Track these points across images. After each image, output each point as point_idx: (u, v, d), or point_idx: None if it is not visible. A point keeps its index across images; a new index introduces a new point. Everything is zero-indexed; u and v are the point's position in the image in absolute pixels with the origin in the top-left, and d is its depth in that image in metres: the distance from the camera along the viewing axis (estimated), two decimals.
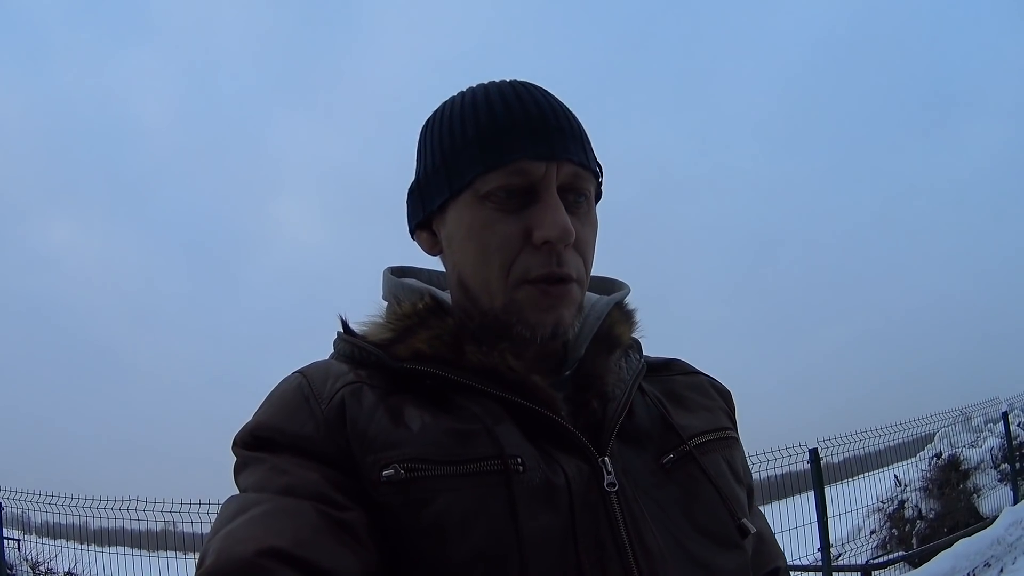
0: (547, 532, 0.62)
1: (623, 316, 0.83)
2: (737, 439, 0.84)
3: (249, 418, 0.71)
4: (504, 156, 0.70)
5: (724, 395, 0.87)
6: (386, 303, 0.80)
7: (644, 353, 0.84)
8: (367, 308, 0.80)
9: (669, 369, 0.87)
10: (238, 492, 0.66)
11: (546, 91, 0.76)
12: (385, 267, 0.84)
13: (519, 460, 0.65)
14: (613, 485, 0.67)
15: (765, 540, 0.82)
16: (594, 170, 0.75)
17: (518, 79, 0.77)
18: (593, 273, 0.78)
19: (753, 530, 0.73)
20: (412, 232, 0.82)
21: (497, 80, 0.77)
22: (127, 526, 6.21)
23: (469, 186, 0.72)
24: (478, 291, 0.74)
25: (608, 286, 0.87)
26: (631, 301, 0.86)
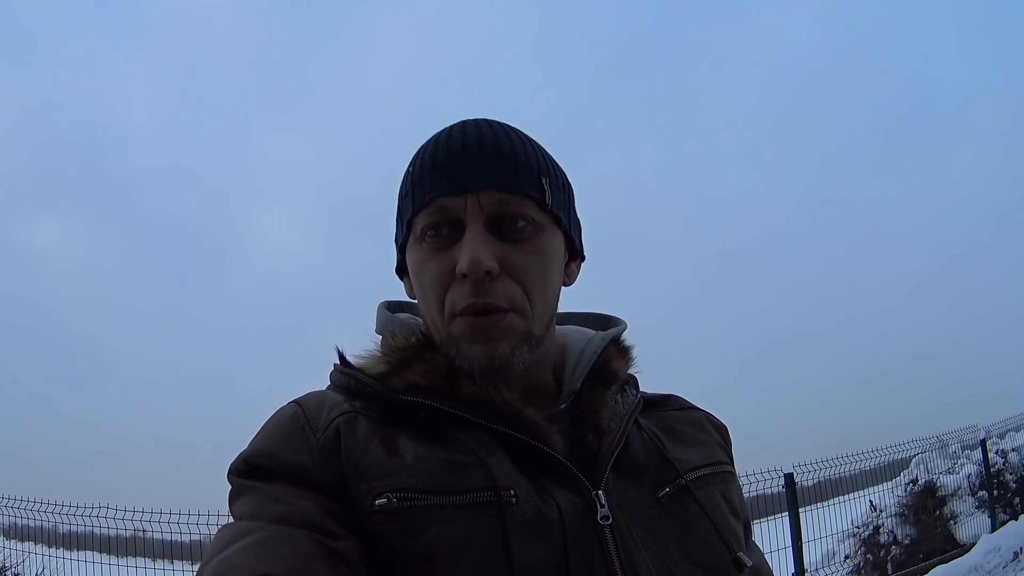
0: (540, 564, 0.62)
1: (619, 351, 0.84)
2: (733, 473, 0.84)
3: (244, 446, 0.71)
4: (425, 197, 0.73)
5: (720, 430, 0.88)
6: (380, 337, 0.81)
7: (640, 388, 0.85)
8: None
9: (666, 404, 0.88)
10: (232, 520, 0.65)
11: (487, 123, 0.76)
12: (380, 302, 0.85)
13: (512, 492, 0.65)
14: (607, 518, 0.67)
15: (762, 575, 0.82)
16: (529, 193, 0.72)
17: (472, 118, 0.77)
18: (589, 308, 0.78)
19: (749, 564, 0.73)
20: (400, 278, 0.84)
21: (455, 121, 0.78)
22: (96, 531, 6.11)
23: (410, 230, 0.76)
24: (432, 328, 0.76)
25: (605, 322, 0.88)
26: (628, 337, 0.87)
